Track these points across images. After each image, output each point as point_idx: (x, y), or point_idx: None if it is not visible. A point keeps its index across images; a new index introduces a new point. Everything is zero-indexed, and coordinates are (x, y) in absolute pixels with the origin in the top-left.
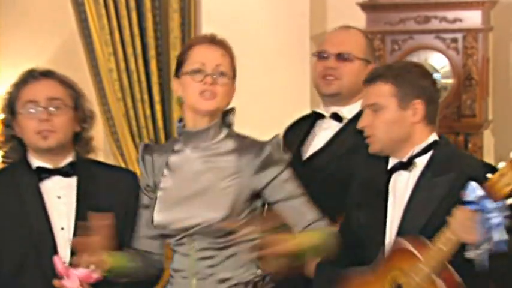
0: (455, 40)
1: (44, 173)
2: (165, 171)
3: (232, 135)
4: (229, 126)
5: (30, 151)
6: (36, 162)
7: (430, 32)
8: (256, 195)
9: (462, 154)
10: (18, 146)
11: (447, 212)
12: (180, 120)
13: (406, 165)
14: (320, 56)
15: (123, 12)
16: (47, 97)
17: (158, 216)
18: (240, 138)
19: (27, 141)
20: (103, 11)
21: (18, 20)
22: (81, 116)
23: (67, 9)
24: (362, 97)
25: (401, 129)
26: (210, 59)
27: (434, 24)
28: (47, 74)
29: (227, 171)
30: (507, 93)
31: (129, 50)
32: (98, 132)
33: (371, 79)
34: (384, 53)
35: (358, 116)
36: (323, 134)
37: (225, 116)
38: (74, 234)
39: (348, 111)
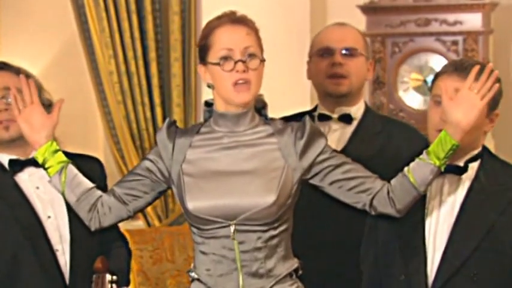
0: (455, 43)
1: (15, 166)
2: (189, 156)
3: (263, 119)
4: (260, 114)
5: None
6: (1, 156)
7: (431, 34)
8: (302, 180)
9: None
10: None
11: (509, 223)
12: (206, 103)
13: (460, 169)
14: (324, 53)
15: (123, 14)
16: (3, 88)
17: (195, 204)
18: (271, 121)
19: None
20: (103, 14)
21: (18, 22)
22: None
23: (67, 12)
24: (362, 95)
25: (478, 134)
26: (236, 42)
27: (435, 27)
28: (2, 66)
29: (272, 154)
30: (507, 95)
31: (130, 53)
32: (99, 135)
33: (468, 75)
34: (384, 56)
35: (367, 116)
36: (334, 136)
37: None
38: (70, 223)
39: (355, 111)
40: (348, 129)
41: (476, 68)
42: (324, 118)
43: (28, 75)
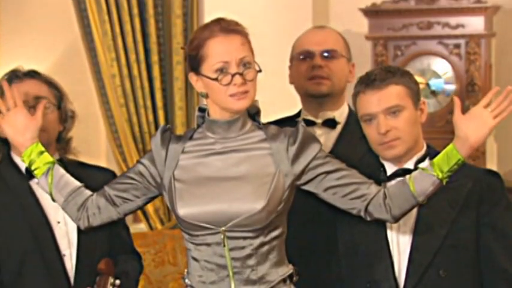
0: (457, 46)
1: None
2: (181, 162)
3: (256, 125)
4: (253, 119)
5: (14, 149)
6: (20, 160)
7: (433, 37)
8: (294, 186)
9: None
10: (2, 146)
11: (468, 218)
12: (200, 109)
13: (411, 172)
14: (304, 56)
15: (125, 18)
16: (34, 96)
17: (185, 210)
18: (265, 127)
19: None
20: (106, 17)
21: (21, 25)
22: (63, 116)
23: (70, 15)
24: (345, 98)
25: (418, 130)
26: (232, 53)
27: (437, 30)
28: (31, 74)
29: (263, 160)
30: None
31: (132, 56)
32: (101, 138)
33: (380, 84)
34: (386, 59)
35: (351, 119)
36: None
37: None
38: (78, 229)
39: (339, 115)
40: (332, 134)
41: (495, 89)
42: (308, 123)
43: (54, 85)
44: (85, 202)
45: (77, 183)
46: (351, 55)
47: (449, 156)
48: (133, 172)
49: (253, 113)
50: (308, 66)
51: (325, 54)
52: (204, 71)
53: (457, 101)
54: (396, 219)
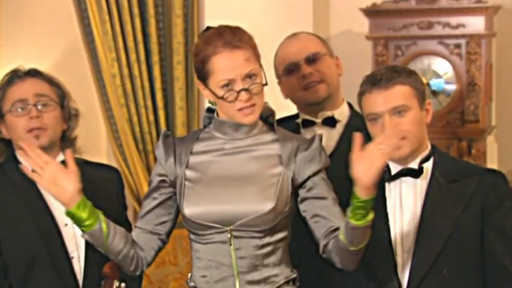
0: (458, 46)
1: None
2: (191, 161)
3: (267, 126)
4: (266, 121)
5: (19, 150)
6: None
7: (433, 37)
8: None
9: (462, 160)
10: (5, 148)
11: (472, 217)
12: (208, 109)
13: (416, 171)
14: (290, 69)
15: (126, 18)
16: (34, 94)
17: (191, 209)
18: (278, 129)
19: (17, 141)
20: (106, 17)
21: (21, 25)
22: (67, 115)
23: (70, 15)
24: (341, 96)
25: (423, 131)
26: (236, 70)
27: (438, 30)
28: (32, 73)
29: (272, 160)
30: (510, 98)
31: (133, 56)
32: (101, 138)
33: (386, 84)
34: (387, 59)
35: (353, 118)
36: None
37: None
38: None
39: (339, 114)
40: (333, 132)
41: (390, 136)
42: (308, 123)
43: (57, 84)
44: (135, 254)
45: (123, 229)
46: (331, 49)
47: (352, 200)
48: (153, 192)
49: (266, 115)
50: (298, 77)
51: (309, 58)
52: (210, 85)
53: (357, 139)
54: (340, 267)
